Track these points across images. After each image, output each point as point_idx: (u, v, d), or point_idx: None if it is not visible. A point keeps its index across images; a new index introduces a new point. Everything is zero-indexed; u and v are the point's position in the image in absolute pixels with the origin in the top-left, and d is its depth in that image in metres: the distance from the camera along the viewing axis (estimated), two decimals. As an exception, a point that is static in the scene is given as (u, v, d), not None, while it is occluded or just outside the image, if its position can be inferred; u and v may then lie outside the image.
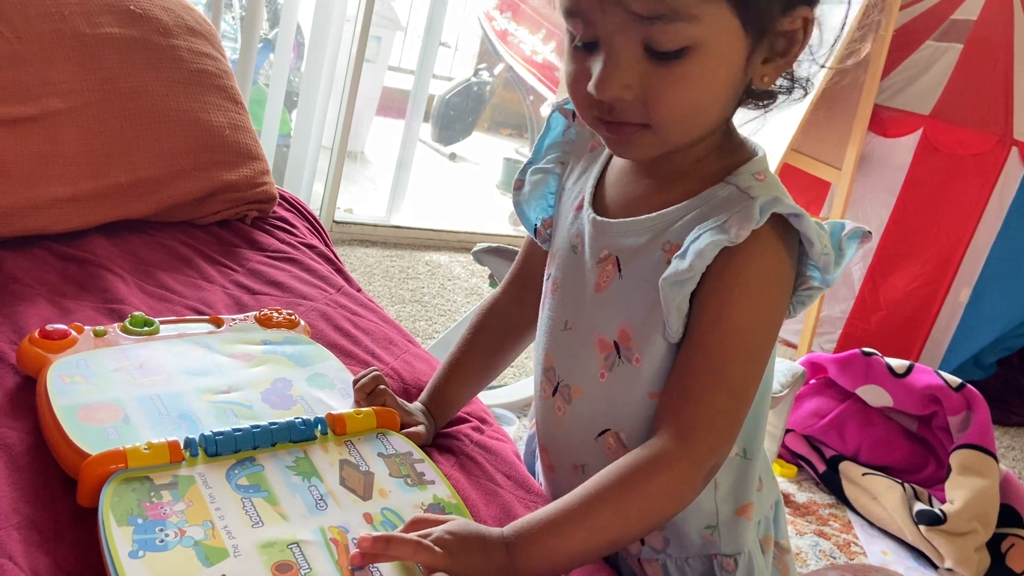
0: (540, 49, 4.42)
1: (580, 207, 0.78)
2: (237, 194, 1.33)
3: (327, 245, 1.45)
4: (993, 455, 1.78)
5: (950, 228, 2.52)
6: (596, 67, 0.63)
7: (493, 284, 1.88)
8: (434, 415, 0.89)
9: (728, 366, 0.66)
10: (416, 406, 0.89)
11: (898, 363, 1.94)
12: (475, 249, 1.80)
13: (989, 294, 2.52)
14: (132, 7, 1.27)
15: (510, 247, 1.79)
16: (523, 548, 0.63)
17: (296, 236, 1.39)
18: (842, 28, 0.71)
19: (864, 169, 2.57)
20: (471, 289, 2.74)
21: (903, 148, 2.55)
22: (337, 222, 2.87)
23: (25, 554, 0.61)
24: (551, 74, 4.37)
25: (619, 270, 0.72)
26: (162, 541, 0.61)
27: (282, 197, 1.49)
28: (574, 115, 0.84)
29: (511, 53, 4.55)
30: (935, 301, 2.56)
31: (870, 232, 0.71)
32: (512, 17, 4.57)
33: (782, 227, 0.66)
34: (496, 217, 3.73)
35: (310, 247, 1.36)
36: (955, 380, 1.87)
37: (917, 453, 1.98)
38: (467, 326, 0.92)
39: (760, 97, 0.72)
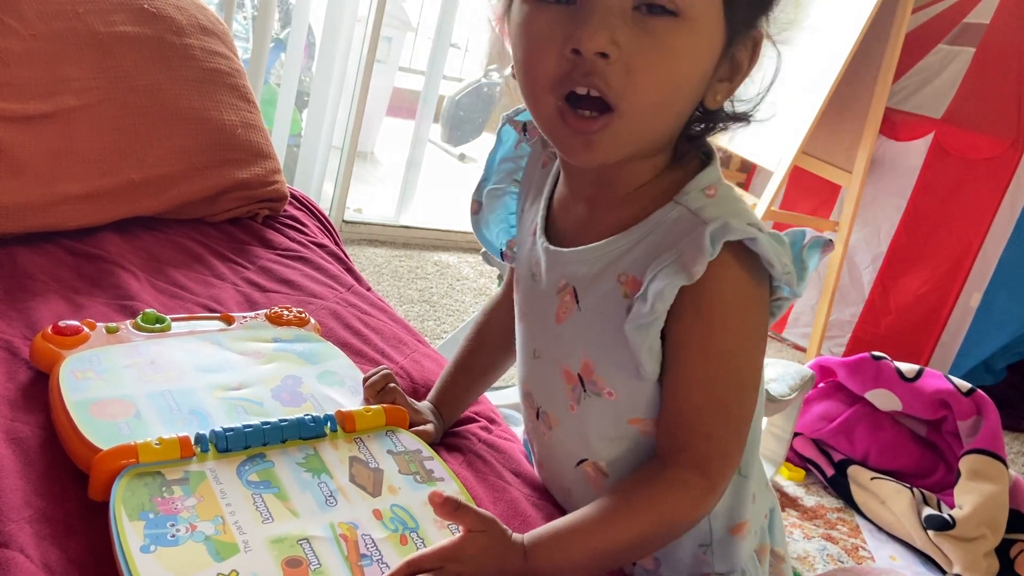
0: (550, 50, 4.42)
1: (535, 232, 0.76)
2: (248, 192, 1.34)
3: (337, 244, 1.45)
4: (1003, 460, 1.77)
5: (961, 232, 2.50)
6: (576, 28, 0.58)
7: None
8: (442, 414, 0.89)
9: (728, 397, 0.66)
10: (425, 405, 0.89)
11: (908, 367, 1.93)
12: (484, 250, 1.80)
13: (1000, 299, 2.50)
14: (146, 6, 1.28)
15: (519, 248, 1.79)
16: (541, 557, 0.64)
17: (307, 235, 1.39)
18: (771, 85, 0.69)
19: (875, 172, 2.57)
20: (480, 289, 2.74)
21: (914, 152, 2.54)
22: (347, 222, 2.88)
23: (37, 547, 0.62)
24: (561, 75, 4.37)
25: (577, 301, 0.71)
26: (173, 536, 0.62)
27: (293, 196, 1.49)
28: (524, 128, 0.81)
29: (521, 54, 4.54)
30: (945, 305, 2.55)
31: (831, 241, 0.70)
32: (523, 18, 4.56)
33: (741, 251, 0.64)
34: (505, 218, 3.73)
35: (320, 246, 1.37)
36: (965, 385, 1.86)
37: (926, 458, 1.97)
38: (471, 326, 0.92)
39: (704, 121, 0.69)
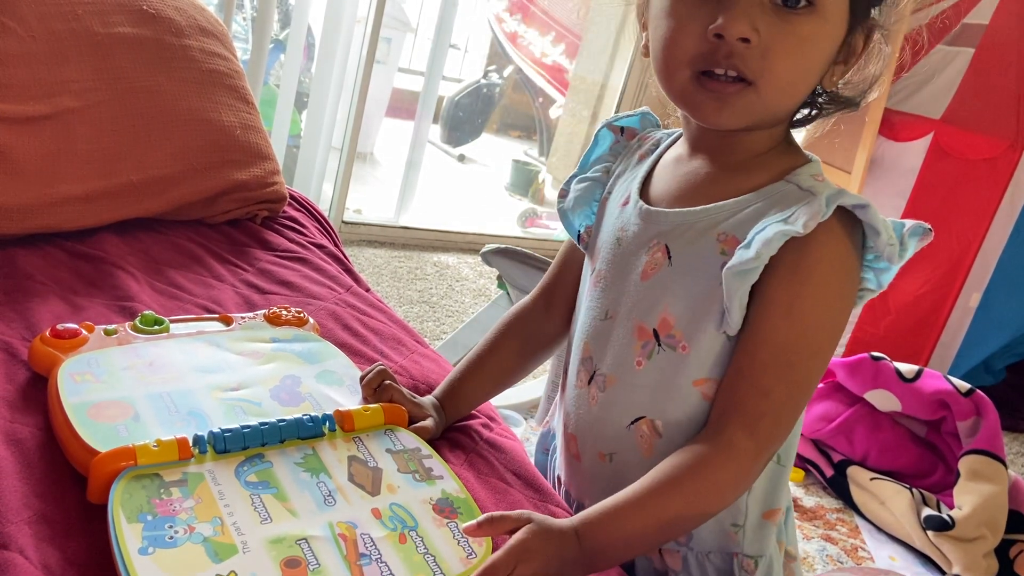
0: (549, 51, 4.43)
1: (626, 202, 0.80)
2: (248, 193, 1.34)
3: (336, 245, 1.45)
4: (1002, 461, 1.78)
5: (960, 233, 2.50)
6: (719, 14, 0.65)
7: (501, 285, 1.88)
8: (446, 410, 0.89)
9: (796, 359, 0.68)
10: (428, 400, 0.89)
11: (907, 368, 1.93)
12: (483, 250, 1.81)
13: (999, 299, 2.50)
14: (145, 7, 1.28)
15: (518, 248, 1.79)
16: (594, 538, 0.65)
17: (306, 236, 1.39)
18: (881, 72, 0.74)
19: (874, 173, 2.57)
20: (479, 290, 2.74)
21: (914, 152, 2.54)
22: (346, 222, 2.88)
23: (36, 548, 0.62)
24: (560, 76, 4.38)
25: (669, 257, 0.73)
26: (171, 538, 0.62)
27: (292, 197, 1.49)
28: (622, 131, 0.86)
29: (521, 55, 4.55)
30: (945, 306, 2.55)
31: (931, 229, 0.72)
32: (522, 19, 4.58)
33: (848, 222, 0.68)
34: (504, 218, 3.73)
35: (319, 247, 1.37)
36: (964, 385, 1.86)
37: (925, 458, 1.97)
38: (493, 327, 0.92)
39: (814, 106, 0.75)
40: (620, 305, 0.77)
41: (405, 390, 0.88)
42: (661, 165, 0.80)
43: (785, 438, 0.71)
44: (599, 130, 0.87)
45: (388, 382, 0.86)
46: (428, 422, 0.85)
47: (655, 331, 0.73)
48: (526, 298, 0.93)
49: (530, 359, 0.93)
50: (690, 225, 0.73)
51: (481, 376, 0.91)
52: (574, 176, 0.87)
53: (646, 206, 0.77)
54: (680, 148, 0.79)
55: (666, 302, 0.73)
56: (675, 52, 0.68)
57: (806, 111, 0.75)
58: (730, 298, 0.68)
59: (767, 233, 0.66)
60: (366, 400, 0.85)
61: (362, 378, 0.87)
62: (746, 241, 0.67)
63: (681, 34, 0.67)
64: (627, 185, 0.81)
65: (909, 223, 0.72)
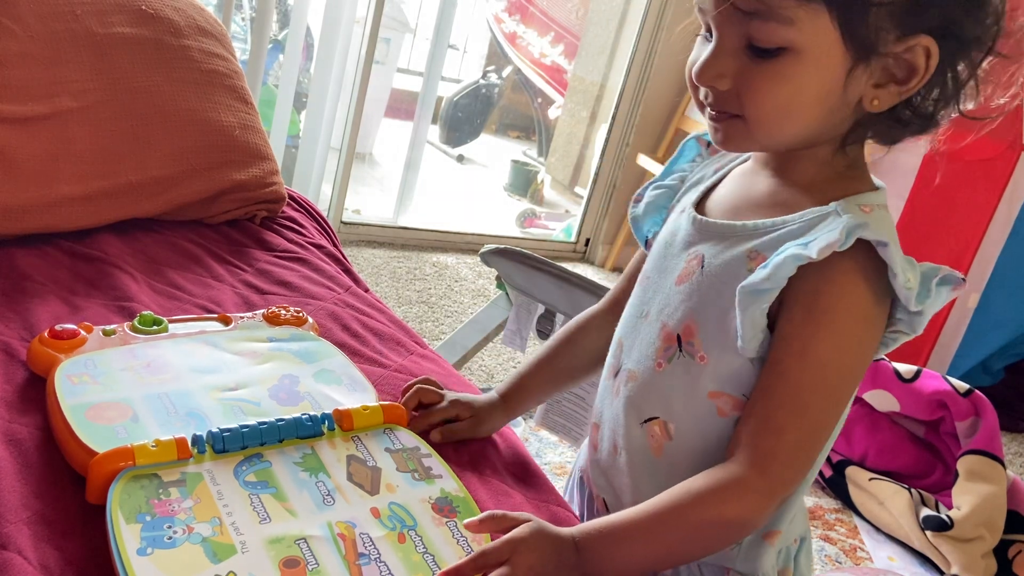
0: (548, 52, 4.43)
1: (683, 210, 0.80)
2: (246, 194, 1.34)
3: (335, 245, 1.45)
4: (1001, 461, 1.78)
5: (959, 233, 2.51)
6: (704, 55, 0.67)
7: (500, 286, 1.88)
8: (508, 404, 0.90)
9: (811, 401, 0.66)
10: (487, 397, 0.90)
11: (906, 368, 1.93)
12: (482, 251, 1.81)
13: (997, 300, 2.51)
14: (144, 7, 1.28)
15: (517, 249, 1.79)
16: (592, 551, 0.65)
17: (305, 236, 1.39)
18: (971, 73, 0.69)
19: (872, 173, 2.57)
20: (478, 291, 2.74)
21: (912, 152, 2.55)
22: (345, 223, 2.88)
23: (35, 548, 0.62)
24: (559, 76, 4.38)
25: (701, 267, 0.73)
26: (170, 538, 0.62)
27: (291, 197, 1.49)
28: (708, 144, 0.86)
29: (520, 55, 4.56)
30: (943, 306, 2.56)
31: (964, 279, 0.70)
32: (521, 20, 4.58)
33: (875, 261, 0.66)
34: (503, 219, 3.74)
35: (318, 247, 1.37)
36: (963, 386, 1.86)
37: (924, 458, 1.98)
38: (562, 329, 0.93)
39: (882, 125, 0.71)
40: (653, 305, 0.77)
41: (450, 393, 0.89)
42: (728, 177, 0.80)
43: (800, 479, 0.69)
44: (686, 140, 0.87)
45: (434, 405, 0.88)
46: (460, 423, 0.87)
47: (679, 336, 0.73)
48: (595, 305, 0.94)
49: (596, 362, 0.92)
50: (726, 238, 0.72)
51: (551, 370, 0.92)
52: (651, 183, 0.87)
53: (695, 214, 0.77)
54: (749, 162, 0.79)
55: (692, 310, 0.73)
56: (688, 82, 0.72)
57: (878, 128, 0.72)
58: (742, 315, 0.67)
59: (780, 257, 0.65)
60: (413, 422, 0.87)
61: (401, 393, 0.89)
62: (765, 262, 0.67)
63: (690, 75, 0.71)
64: (693, 194, 0.81)
65: (943, 270, 0.70)
